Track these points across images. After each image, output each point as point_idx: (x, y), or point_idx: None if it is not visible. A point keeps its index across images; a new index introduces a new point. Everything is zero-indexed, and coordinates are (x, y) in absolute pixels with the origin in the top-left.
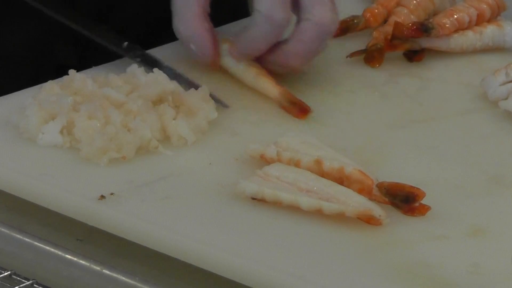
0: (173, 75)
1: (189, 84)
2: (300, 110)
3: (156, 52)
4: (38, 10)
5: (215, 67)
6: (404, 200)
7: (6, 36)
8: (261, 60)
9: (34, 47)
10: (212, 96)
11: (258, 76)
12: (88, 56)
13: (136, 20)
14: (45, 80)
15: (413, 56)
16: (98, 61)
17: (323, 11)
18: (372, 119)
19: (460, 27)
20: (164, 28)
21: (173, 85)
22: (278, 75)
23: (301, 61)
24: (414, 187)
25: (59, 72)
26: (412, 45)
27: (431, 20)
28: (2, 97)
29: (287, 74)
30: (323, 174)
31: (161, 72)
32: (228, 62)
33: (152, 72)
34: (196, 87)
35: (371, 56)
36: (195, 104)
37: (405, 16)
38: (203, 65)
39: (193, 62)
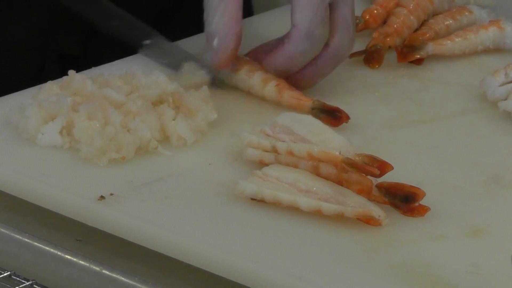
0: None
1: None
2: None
3: None
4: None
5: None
6: (403, 199)
7: (9, 25)
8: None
9: (38, 36)
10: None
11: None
12: (91, 45)
13: (138, 15)
14: (49, 69)
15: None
16: (101, 51)
17: (343, 38)
18: (372, 120)
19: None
20: (166, 23)
21: (173, 86)
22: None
23: (311, 83)
24: (414, 186)
25: (62, 61)
26: (420, 53)
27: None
28: (1, 98)
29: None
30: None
31: (161, 73)
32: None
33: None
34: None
35: (371, 57)
36: (194, 104)
37: (405, 16)
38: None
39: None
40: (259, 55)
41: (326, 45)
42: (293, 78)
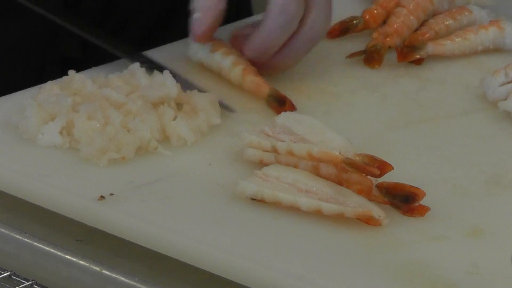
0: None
1: (190, 88)
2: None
3: (156, 52)
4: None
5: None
6: (403, 200)
7: (11, 27)
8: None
9: (39, 39)
10: (219, 102)
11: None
12: (92, 48)
13: (138, 16)
14: (50, 71)
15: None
16: (102, 53)
17: (317, 19)
18: (372, 120)
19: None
20: (166, 25)
21: (177, 90)
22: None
23: (288, 64)
24: (414, 187)
25: (63, 63)
26: (420, 53)
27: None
28: (1, 98)
29: (286, 74)
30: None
31: (169, 75)
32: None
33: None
34: (199, 90)
35: (371, 57)
36: (199, 104)
37: (405, 16)
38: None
39: (192, 63)
40: (240, 42)
41: (302, 23)
42: (271, 61)
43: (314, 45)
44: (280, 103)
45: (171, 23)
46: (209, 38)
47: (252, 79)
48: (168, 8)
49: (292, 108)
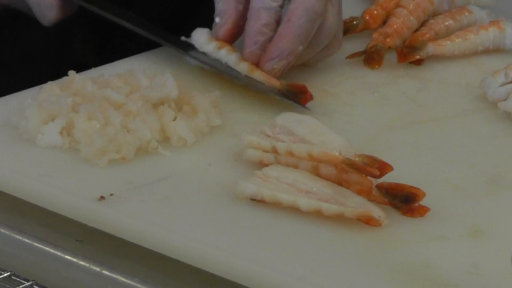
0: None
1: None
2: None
3: (156, 52)
4: None
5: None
6: (403, 200)
7: (26, 35)
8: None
9: (53, 46)
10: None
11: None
12: (106, 54)
13: (149, 19)
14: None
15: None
16: (116, 59)
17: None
18: (372, 120)
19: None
20: (177, 27)
21: (177, 92)
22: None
23: (293, 41)
24: (414, 187)
25: (78, 70)
26: (420, 53)
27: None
28: (1, 98)
29: (286, 75)
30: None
31: (170, 77)
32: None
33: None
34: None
35: (371, 58)
36: (199, 105)
37: (404, 17)
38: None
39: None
40: (256, 55)
41: (293, 1)
42: (274, 43)
43: (310, 19)
44: (297, 95)
45: (182, 27)
46: (232, 40)
47: (261, 73)
48: (177, 11)
49: (311, 97)
